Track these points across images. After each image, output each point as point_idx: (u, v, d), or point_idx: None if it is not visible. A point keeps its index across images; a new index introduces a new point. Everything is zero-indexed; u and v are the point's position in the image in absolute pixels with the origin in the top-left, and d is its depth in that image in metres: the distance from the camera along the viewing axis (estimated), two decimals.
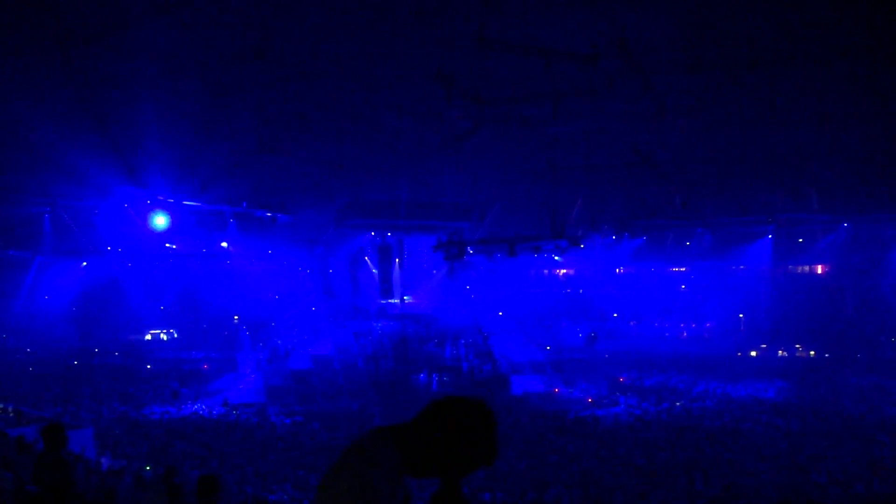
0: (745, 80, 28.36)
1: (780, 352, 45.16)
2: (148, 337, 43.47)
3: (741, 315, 47.09)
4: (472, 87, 28.06)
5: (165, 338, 43.62)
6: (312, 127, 30.82)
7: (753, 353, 45.17)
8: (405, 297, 46.36)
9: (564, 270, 48.20)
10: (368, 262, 46.02)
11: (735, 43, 26.54)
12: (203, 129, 30.08)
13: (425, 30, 24.89)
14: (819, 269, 48.42)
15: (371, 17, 24.17)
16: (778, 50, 26.53)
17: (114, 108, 27.92)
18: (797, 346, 45.22)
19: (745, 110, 30.97)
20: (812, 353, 44.76)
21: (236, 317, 44.57)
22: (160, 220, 30.72)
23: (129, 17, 23.79)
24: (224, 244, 40.97)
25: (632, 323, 46.60)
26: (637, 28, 25.84)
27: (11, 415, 24.63)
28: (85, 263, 40.45)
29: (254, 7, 23.56)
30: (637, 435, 30.18)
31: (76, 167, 29.61)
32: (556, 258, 43.64)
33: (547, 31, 25.67)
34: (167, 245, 40.99)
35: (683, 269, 47.35)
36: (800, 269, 48.51)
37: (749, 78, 28.29)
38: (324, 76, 27.45)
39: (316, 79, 27.49)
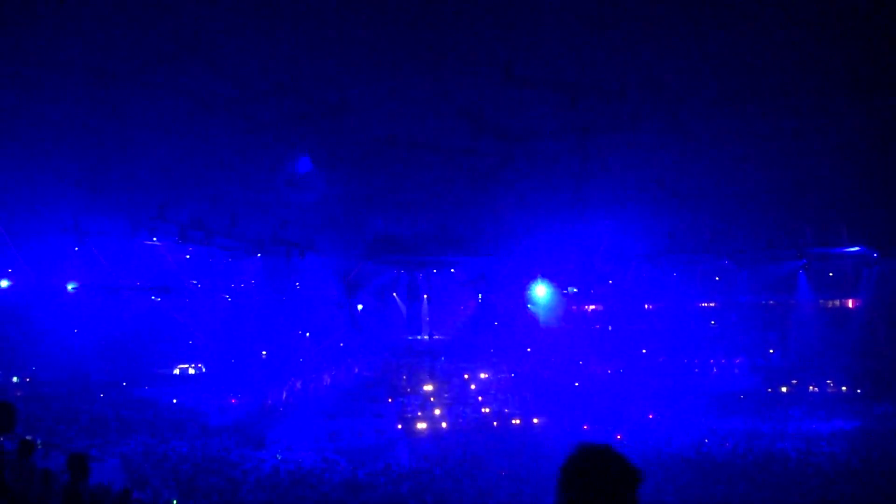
0: (771, 112, 28.28)
1: (810, 387, 44.56)
2: (176, 371, 43.49)
3: (771, 350, 46.58)
4: (499, 123, 28.12)
5: (193, 371, 43.62)
6: (341, 163, 30.96)
7: (784, 389, 44.62)
8: (434, 335, 46.32)
9: (593, 306, 47.89)
10: (396, 297, 46.00)
11: (764, 75, 26.50)
12: (232, 165, 30.30)
13: (452, 65, 25.02)
14: (850, 304, 47.79)
15: (400, 53, 24.33)
16: (807, 81, 26.46)
17: (142, 143, 28.16)
18: (828, 381, 44.60)
19: (772, 143, 30.84)
20: (844, 388, 44.11)
21: (264, 352, 44.60)
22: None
23: (160, 55, 24.10)
24: (252, 281, 41.22)
25: (661, 359, 46.13)
26: (664, 61, 25.89)
27: (40, 447, 24.69)
28: (112, 297, 40.68)
29: (283, 44, 23.77)
30: None
31: (106, 202, 29.90)
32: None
33: (573, 66, 25.76)
34: (193, 282, 41.26)
35: (713, 304, 46.96)
36: (830, 303, 47.88)
37: (775, 110, 28.21)
38: (352, 112, 27.59)
39: (345, 114, 27.63)
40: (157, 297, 40.82)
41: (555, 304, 44.59)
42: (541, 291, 42.90)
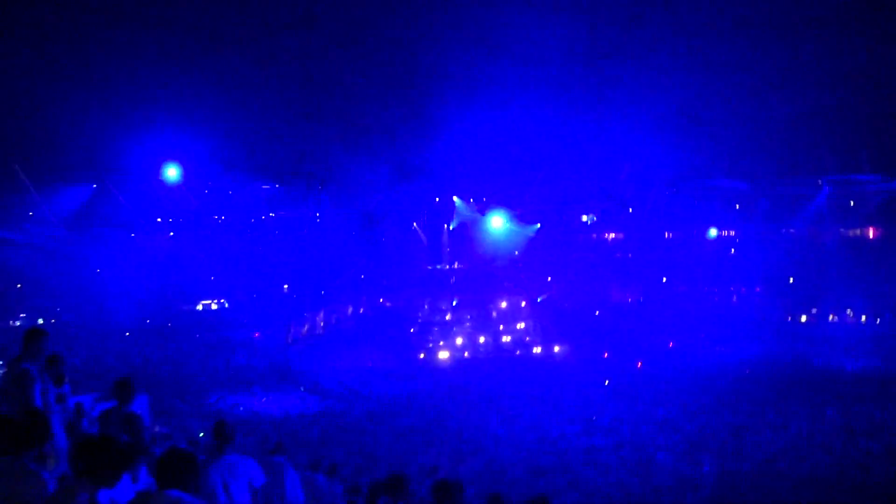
0: (794, 38, 27.98)
1: (830, 316, 44.60)
2: (199, 307, 43.85)
3: (791, 279, 46.50)
4: (519, 49, 27.97)
5: (216, 307, 43.99)
6: (357, 92, 30.87)
7: (803, 319, 44.68)
8: (455, 264, 46.53)
9: (613, 234, 47.80)
10: (417, 227, 46.02)
11: (785, 1, 26.19)
12: (248, 99, 30.26)
13: None
14: (870, 233, 47.53)
15: None
16: (828, 8, 26.13)
17: (158, 82, 28.14)
18: (848, 310, 44.59)
19: (793, 69, 30.55)
20: (864, 318, 44.11)
21: (286, 285, 44.92)
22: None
23: None
24: (272, 214, 41.33)
25: (681, 288, 46.15)
26: None
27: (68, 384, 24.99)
28: (133, 235, 40.93)
29: None
30: None
31: (122, 143, 29.94)
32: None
33: None
34: (215, 217, 41.38)
35: (732, 232, 46.81)
36: (851, 232, 47.63)
37: (798, 36, 27.90)
38: (367, 43, 27.47)
39: (361, 46, 27.51)
40: (174, 232, 41.03)
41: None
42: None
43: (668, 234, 47.23)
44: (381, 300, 45.42)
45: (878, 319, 43.19)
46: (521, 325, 42.61)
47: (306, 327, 41.49)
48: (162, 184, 34.87)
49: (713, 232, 45.81)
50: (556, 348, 40.24)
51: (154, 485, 5.68)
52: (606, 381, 33.81)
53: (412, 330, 41.91)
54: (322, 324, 42.51)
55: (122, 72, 26.44)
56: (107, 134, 29.78)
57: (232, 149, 32.63)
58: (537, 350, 40.54)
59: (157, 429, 21.13)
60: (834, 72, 30.47)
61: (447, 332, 41.60)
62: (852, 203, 44.43)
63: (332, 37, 27.28)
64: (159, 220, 40.60)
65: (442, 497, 8.76)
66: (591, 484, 21.93)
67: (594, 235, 45.96)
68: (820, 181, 41.20)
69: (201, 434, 21.17)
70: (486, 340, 41.27)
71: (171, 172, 31.50)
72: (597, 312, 44.16)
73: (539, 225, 44.90)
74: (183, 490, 5.12)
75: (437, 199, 43.44)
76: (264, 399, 30.56)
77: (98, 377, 26.39)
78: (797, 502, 20.38)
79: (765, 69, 30.55)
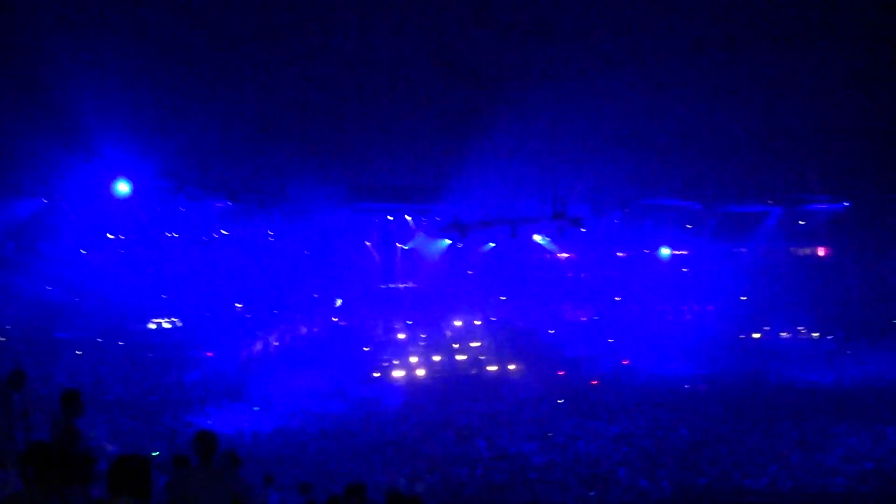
0: (744, 58, 28.31)
1: (783, 333, 45.12)
2: (152, 326, 43.23)
3: (743, 297, 46.98)
4: (472, 68, 27.99)
5: (168, 325, 43.37)
6: (311, 109, 30.69)
7: (756, 336, 45.16)
8: (407, 283, 46.44)
9: (566, 254, 47.99)
10: (370, 246, 45.87)
11: (735, 21, 26.50)
12: (203, 114, 29.94)
13: (425, 9, 24.82)
14: (821, 252, 48.22)
15: None
16: (778, 27, 26.49)
17: (110, 96, 27.71)
18: (800, 328, 45.14)
19: (744, 89, 30.92)
20: (815, 335, 44.69)
21: (239, 304, 44.45)
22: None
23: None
24: (224, 231, 40.89)
25: (633, 307, 46.44)
26: (636, 6, 25.82)
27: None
28: (84, 251, 40.26)
29: None
30: None
31: (72, 154, 29.47)
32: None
33: (546, 9, 25.64)
34: (167, 234, 40.85)
35: (685, 252, 47.22)
36: (801, 251, 48.30)
37: (748, 56, 28.23)
38: (324, 58, 27.35)
39: (316, 61, 27.38)
40: (125, 249, 40.42)
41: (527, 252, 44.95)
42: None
43: (621, 254, 47.53)
44: (335, 319, 45.13)
45: (830, 336, 43.78)
46: (475, 344, 42.57)
47: (260, 346, 41.12)
48: (112, 200, 34.38)
49: (665, 251, 46.13)
50: (511, 366, 40.27)
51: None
52: (560, 400, 33.90)
53: (366, 349, 41.69)
54: (276, 343, 42.14)
55: (71, 84, 25.95)
56: (56, 149, 29.29)
57: (184, 165, 32.22)
58: (492, 368, 40.56)
59: (109, 448, 20.77)
60: (784, 93, 30.88)
61: (402, 350, 41.48)
62: (802, 223, 45.00)
63: (287, 53, 27.11)
64: (111, 236, 39.94)
65: None
66: (550, 500, 21.88)
67: (547, 255, 46.04)
68: (770, 201, 41.73)
69: (156, 453, 20.86)
70: (440, 359, 41.18)
71: (122, 188, 31.01)
72: (551, 331, 44.26)
73: (493, 244, 44.96)
74: (136, 497, 4.97)
75: (391, 218, 43.31)
76: (212, 420, 30.15)
77: (47, 397, 25.90)
78: None
79: (716, 90, 30.87)
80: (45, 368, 34.69)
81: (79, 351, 38.49)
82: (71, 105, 26.91)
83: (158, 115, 28.19)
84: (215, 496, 7.63)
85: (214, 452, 8.01)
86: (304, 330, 44.07)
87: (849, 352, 40.99)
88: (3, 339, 37.70)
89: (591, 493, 22.44)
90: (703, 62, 28.54)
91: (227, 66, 27.61)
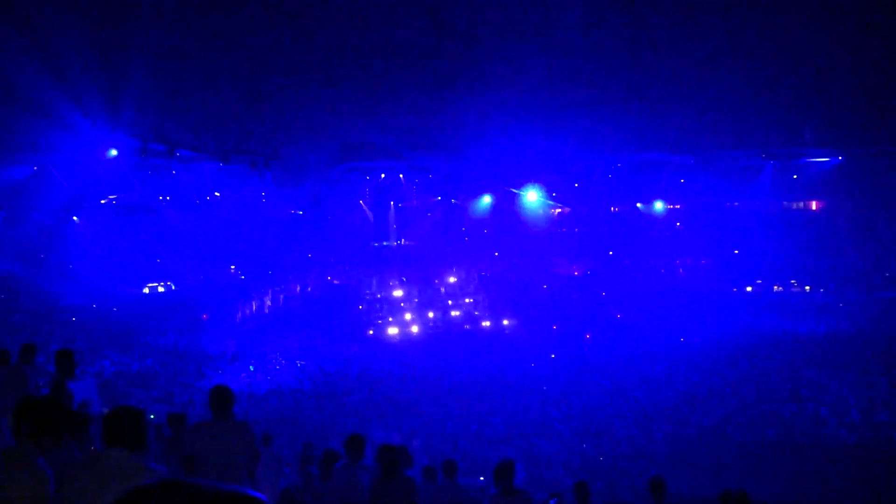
0: (738, 9, 28.15)
1: (775, 287, 45.21)
2: (146, 290, 43.20)
3: (736, 251, 47.06)
4: (464, 24, 27.81)
5: (163, 290, 43.36)
6: (303, 70, 30.50)
7: (749, 289, 45.24)
8: (401, 240, 46.52)
9: (559, 209, 47.98)
10: (363, 204, 45.87)
11: None
12: (193, 75, 29.76)
13: None
14: (813, 206, 48.23)
15: None
16: None
17: (101, 59, 27.49)
18: (792, 281, 45.22)
19: (738, 42, 30.73)
20: (807, 288, 44.78)
21: (233, 266, 44.50)
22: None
23: None
24: (217, 193, 40.83)
25: (626, 261, 46.52)
26: None
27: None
28: (76, 218, 40.17)
29: None
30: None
31: (64, 118, 29.24)
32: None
33: None
34: (160, 197, 40.79)
35: (678, 206, 47.22)
36: (794, 205, 48.33)
37: (742, 8, 28.07)
38: (315, 17, 27.12)
39: (308, 20, 27.16)
40: (118, 213, 40.36)
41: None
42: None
43: (614, 209, 47.54)
44: (329, 278, 45.22)
45: (822, 290, 43.89)
46: (469, 300, 42.70)
47: (254, 307, 41.20)
48: (104, 164, 34.22)
49: (659, 205, 46.14)
50: (505, 322, 40.44)
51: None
52: (553, 355, 34.06)
53: (360, 307, 41.81)
54: (270, 303, 42.23)
55: (62, 48, 25.75)
56: (46, 113, 29.06)
57: (176, 127, 32.06)
58: (486, 324, 40.72)
59: (104, 410, 20.84)
60: (779, 45, 30.70)
61: (396, 308, 41.61)
62: (796, 177, 44.96)
63: (278, 12, 26.87)
64: (103, 201, 39.85)
65: (386, 460, 8.86)
66: (545, 453, 22.08)
67: (540, 211, 45.94)
68: (764, 155, 41.63)
69: (151, 416, 20.92)
70: (434, 316, 41.31)
71: (114, 152, 30.99)
72: (545, 286, 44.37)
73: (488, 199, 44.96)
74: (130, 449, 4.98)
75: (383, 176, 43.24)
76: (208, 382, 30.23)
77: (44, 364, 25.98)
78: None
79: (709, 43, 30.68)
80: (42, 336, 34.81)
81: (73, 317, 38.52)
82: (62, 68, 26.75)
83: (149, 77, 27.97)
84: (238, 447, 7.74)
85: (232, 405, 8.13)
86: (297, 290, 44.17)
87: (841, 304, 41.12)
88: None
89: (586, 447, 22.66)
90: (697, 13, 28.38)
91: (218, 27, 27.38)
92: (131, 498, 1.68)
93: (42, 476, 4.57)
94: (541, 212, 45.49)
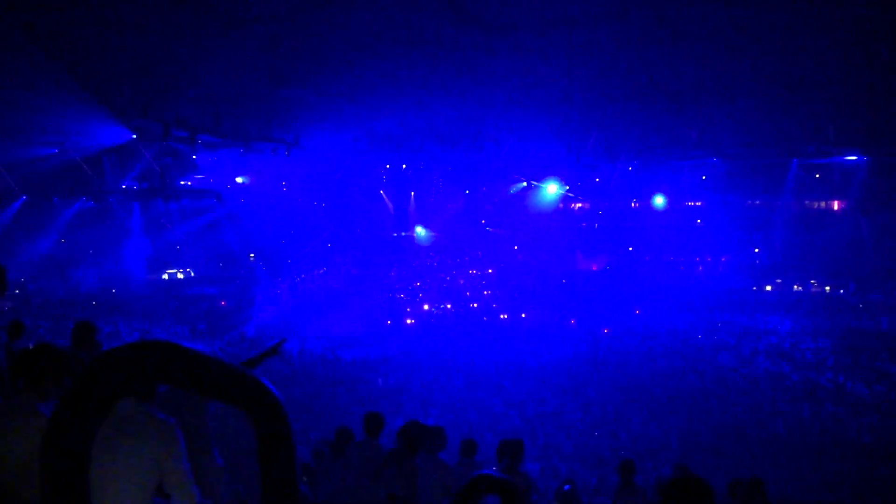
0: (763, 7, 27.94)
1: (795, 286, 44.98)
2: (165, 276, 43.44)
3: (756, 250, 46.83)
4: (484, 14, 27.71)
5: (182, 276, 43.59)
6: (325, 56, 30.47)
7: (768, 288, 45.03)
8: (420, 229, 46.48)
9: (579, 204, 47.83)
10: (383, 194, 45.87)
11: None
12: (214, 61, 29.76)
13: None
14: (836, 206, 47.88)
15: None
16: None
17: (122, 45, 27.54)
18: (812, 281, 44.99)
19: (762, 40, 30.52)
20: (827, 288, 44.53)
21: (252, 254, 44.60)
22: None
23: None
24: (239, 179, 40.87)
25: (646, 258, 46.34)
26: None
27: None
28: (94, 203, 40.27)
29: None
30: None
31: (84, 103, 29.31)
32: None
33: None
34: (182, 183, 40.90)
35: (699, 203, 46.93)
36: (816, 204, 47.98)
37: (767, 5, 27.85)
38: (338, 3, 27.10)
39: (330, 6, 27.11)
40: (142, 199, 40.47)
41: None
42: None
43: (635, 204, 47.32)
44: (348, 267, 45.27)
45: (842, 290, 43.64)
46: (487, 292, 42.69)
47: (273, 295, 41.32)
48: (129, 151, 34.36)
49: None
50: (523, 315, 40.40)
51: None
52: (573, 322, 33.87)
53: (379, 297, 41.86)
54: (289, 291, 42.35)
55: (82, 33, 25.81)
56: (67, 99, 29.13)
57: (197, 113, 32.10)
58: (503, 316, 40.69)
59: None
60: (803, 43, 30.44)
61: (414, 298, 41.65)
62: (818, 176, 44.66)
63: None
64: (124, 187, 40.00)
65: (409, 437, 8.90)
66: (561, 445, 22.05)
67: (560, 205, 45.75)
68: (787, 154, 41.38)
69: None
70: (453, 307, 41.33)
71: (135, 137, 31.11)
72: (563, 280, 44.29)
73: (515, 189, 44.82)
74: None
75: (404, 167, 43.18)
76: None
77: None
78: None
79: (733, 40, 30.48)
80: (60, 321, 35.02)
81: (94, 302, 38.78)
82: (81, 54, 26.82)
83: (173, 63, 28.03)
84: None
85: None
86: (317, 278, 44.25)
87: (861, 305, 40.88)
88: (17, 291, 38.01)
89: (602, 441, 22.61)
90: (720, 10, 28.18)
91: (240, 13, 27.39)
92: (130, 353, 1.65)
93: (43, 421, 4.50)
94: (560, 206, 45.33)
